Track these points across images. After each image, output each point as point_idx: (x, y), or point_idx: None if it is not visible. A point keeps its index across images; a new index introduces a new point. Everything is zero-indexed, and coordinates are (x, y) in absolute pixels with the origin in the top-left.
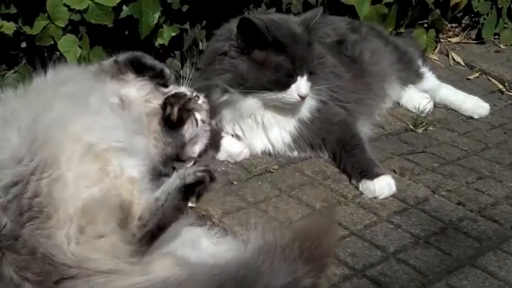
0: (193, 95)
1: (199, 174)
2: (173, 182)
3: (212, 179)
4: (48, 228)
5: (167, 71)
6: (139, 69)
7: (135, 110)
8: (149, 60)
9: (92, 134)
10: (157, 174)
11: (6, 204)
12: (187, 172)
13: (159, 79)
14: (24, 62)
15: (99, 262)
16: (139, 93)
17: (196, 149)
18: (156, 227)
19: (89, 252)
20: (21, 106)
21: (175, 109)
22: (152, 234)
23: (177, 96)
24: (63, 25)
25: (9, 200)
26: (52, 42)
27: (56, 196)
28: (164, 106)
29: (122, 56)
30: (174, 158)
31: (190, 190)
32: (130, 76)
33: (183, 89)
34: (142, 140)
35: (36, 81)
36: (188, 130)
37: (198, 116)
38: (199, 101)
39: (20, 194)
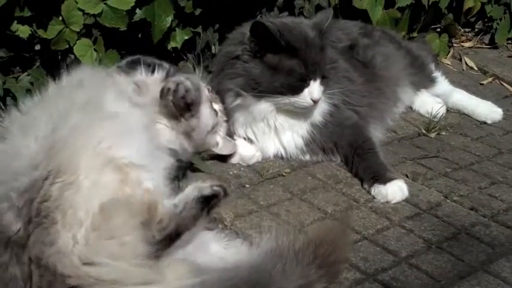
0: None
1: (216, 188)
2: (191, 192)
3: (226, 194)
4: (52, 233)
5: (166, 65)
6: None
7: (153, 91)
8: (148, 59)
9: (111, 144)
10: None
11: (21, 209)
12: (204, 185)
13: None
14: (38, 64)
15: (103, 270)
16: (151, 78)
17: (217, 138)
18: (175, 231)
19: (95, 255)
20: (40, 114)
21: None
22: (171, 238)
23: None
24: (78, 29)
25: (22, 206)
26: (67, 46)
27: (66, 199)
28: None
29: (122, 62)
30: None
31: (206, 202)
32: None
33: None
34: (163, 135)
35: (52, 87)
36: (211, 118)
37: (216, 106)
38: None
39: (31, 199)
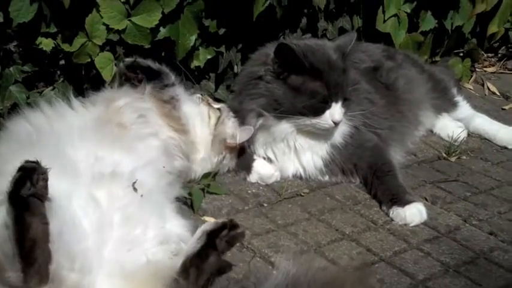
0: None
1: (219, 221)
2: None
3: (234, 226)
4: None
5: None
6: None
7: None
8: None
9: None
10: None
11: None
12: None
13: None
14: (62, 79)
15: None
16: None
17: (231, 129)
18: None
19: None
20: None
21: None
22: None
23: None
24: (100, 43)
25: None
26: (89, 60)
27: None
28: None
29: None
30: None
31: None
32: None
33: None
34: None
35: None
36: (211, 111)
37: (215, 105)
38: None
39: None
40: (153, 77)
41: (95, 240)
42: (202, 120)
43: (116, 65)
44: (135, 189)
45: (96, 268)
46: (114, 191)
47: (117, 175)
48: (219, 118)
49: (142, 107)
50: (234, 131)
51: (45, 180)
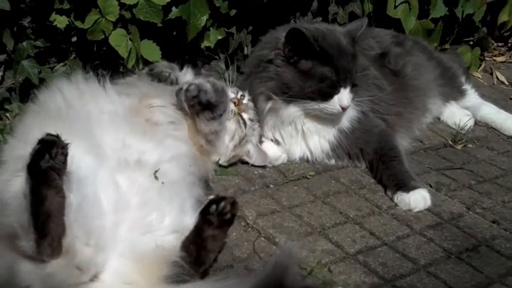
0: (239, 95)
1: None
2: None
3: (223, 198)
4: None
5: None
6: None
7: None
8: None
9: None
10: None
11: None
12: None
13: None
14: (74, 55)
15: None
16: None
17: (250, 147)
18: None
19: None
20: None
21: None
22: None
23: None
24: (113, 19)
25: None
26: (103, 37)
27: None
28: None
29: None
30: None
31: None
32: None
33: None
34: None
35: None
36: (237, 132)
37: (245, 116)
38: (244, 101)
39: None
40: (207, 107)
41: (112, 219)
42: (228, 139)
43: (130, 40)
44: (156, 178)
45: (110, 246)
46: (136, 178)
47: (142, 163)
48: (242, 139)
49: (175, 116)
50: (252, 150)
51: (65, 154)
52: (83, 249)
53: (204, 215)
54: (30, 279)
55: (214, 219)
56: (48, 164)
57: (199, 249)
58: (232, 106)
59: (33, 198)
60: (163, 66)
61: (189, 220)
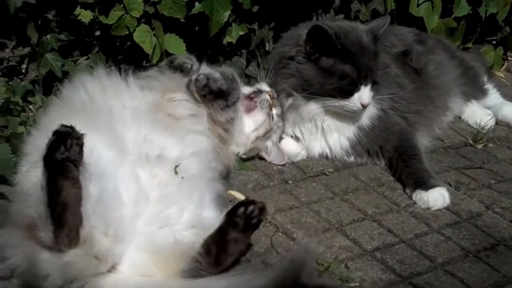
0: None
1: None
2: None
3: (251, 203)
4: None
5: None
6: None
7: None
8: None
9: None
10: None
11: None
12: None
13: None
14: (97, 49)
15: None
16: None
17: (269, 144)
18: None
19: None
20: None
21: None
22: None
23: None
24: (138, 15)
25: None
26: (127, 33)
27: None
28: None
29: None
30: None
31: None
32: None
33: (263, 85)
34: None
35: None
36: (264, 123)
37: (274, 111)
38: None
39: None
40: (219, 96)
41: (131, 211)
42: (252, 128)
43: (155, 35)
44: (176, 172)
45: (128, 237)
46: (156, 172)
47: (163, 159)
48: (267, 132)
49: (195, 108)
50: (270, 147)
51: (80, 145)
52: (101, 239)
53: (231, 216)
54: (49, 268)
55: (240, 222)
56: (63, 155)
57: (219, 251)
58: (268, 97)
59: (50, 189)
60: (183, 57)
61: (208, 215)
